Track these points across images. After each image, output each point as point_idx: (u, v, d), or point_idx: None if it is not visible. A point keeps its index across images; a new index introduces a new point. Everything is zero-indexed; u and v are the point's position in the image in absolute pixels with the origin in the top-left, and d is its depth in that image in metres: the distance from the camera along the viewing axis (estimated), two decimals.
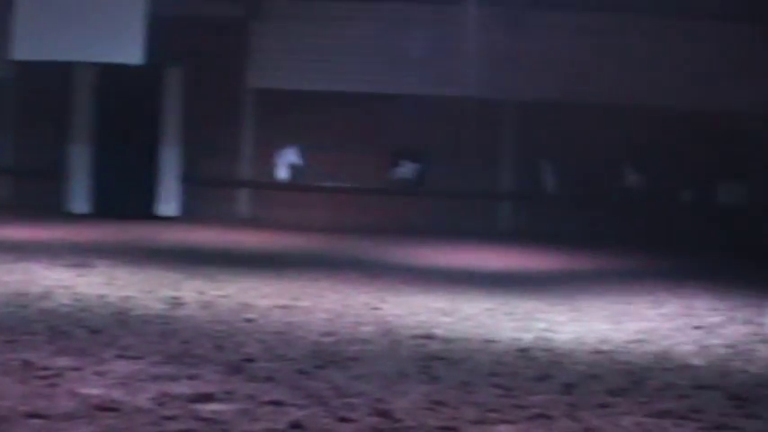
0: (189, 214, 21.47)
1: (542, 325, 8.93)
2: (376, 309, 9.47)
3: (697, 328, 9.23)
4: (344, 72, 21.63)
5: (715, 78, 20.68)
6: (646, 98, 20.96)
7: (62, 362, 6.05)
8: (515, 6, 21.17)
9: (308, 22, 21.65)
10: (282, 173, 21.73)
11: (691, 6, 20.22)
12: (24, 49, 20.61)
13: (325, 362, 6.59)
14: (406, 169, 21.92)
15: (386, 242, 18.02)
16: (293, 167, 21.64)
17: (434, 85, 21.49)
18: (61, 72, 21.63)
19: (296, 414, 5.02)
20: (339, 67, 21.63)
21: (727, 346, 8.19)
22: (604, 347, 7.92)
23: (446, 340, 7.85)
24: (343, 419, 4.98)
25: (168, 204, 21.93)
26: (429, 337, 7.96)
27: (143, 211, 21.41)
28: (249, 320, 8.26)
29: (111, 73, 21.48)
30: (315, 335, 7.73)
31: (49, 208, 21.33)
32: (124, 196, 21.73)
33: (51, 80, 21.93)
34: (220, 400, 5.26)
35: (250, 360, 6.47)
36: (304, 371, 6.23)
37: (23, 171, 22.78)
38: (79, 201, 22.08)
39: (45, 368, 5.83)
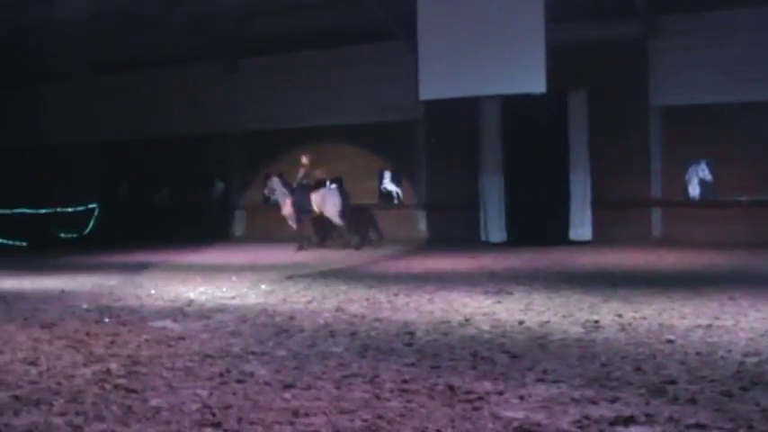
0: (601, 237, 21.42)
1: None
2: None
3: None
4: (747, 81, 20.64)
5: None
6: None
7: (485, 386, 6.25)
8: None
9: (706, 34, 20.93)
10: (693, 189, 21.13)
11: None
12: (430, 89, 21.57)
13: (750, 383, 6.31)
14: None
15: None
16: (703, 183, 20.97)
17: None
18: (467, 107, 22.44)
19: None
20: (741, 77, 20.68)
21: None
22: None
23: None
24: None
25: (581, 228, 22.00)
26: None
27: (556, 236, 21.63)
28: (669, 342, 8.08)
29: (516, 103, 21.97)
30: (738, 355, 7.42)
31: (465, 238, 22.15)
32: (537, 223, 22.08)
33: (458, 116, 22.82)
34: (642, 423, 5.20)
35: (671, 382, 6.34)
36: (728, 393, 6.01)
37: (438, 205, 23.85)
38: (494, 230, 22.72)
39: (468, 392, 6.05)
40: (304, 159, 22.41)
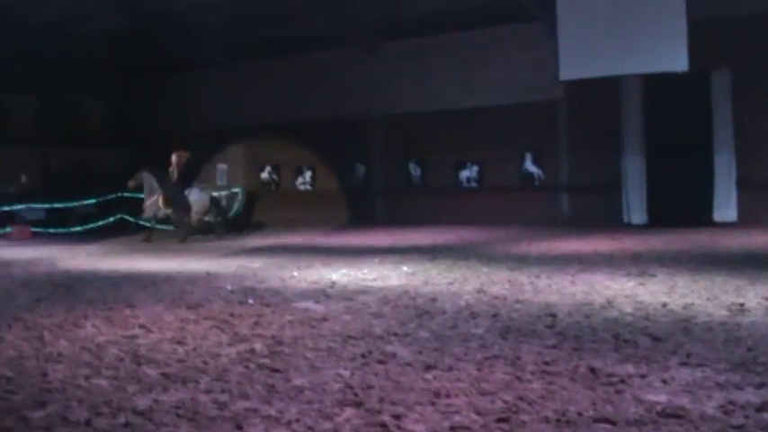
0: (747, 218, 20.87)
1: None
2: None
3: None
4: None
5: None
6: None
7: (627, 369, 6.19)
8: None
9: None
10: None
11: None
12: (570, 70, 21.35)
13: None
14: None
15: None
16: None
17: None
18: (607, 87, 22.12)
19: None
20: None
21: None
22: None
23: None
24: None
25: (726, 210, 21.49)
26: None
27: (700, 217, 21.19)
28: None
29: (657, 82, 21.57)
30: None
31: (607, 220, 21.88)
32: (680, 204, 21.67)
33: (599, 96, 22.53)
34: None
35: None
36: None
37: (579, 186, 23.62)
38: (635, 211, 22.39)
39: (610, 375, 6.00)
40: (174, 158, 22.89)
